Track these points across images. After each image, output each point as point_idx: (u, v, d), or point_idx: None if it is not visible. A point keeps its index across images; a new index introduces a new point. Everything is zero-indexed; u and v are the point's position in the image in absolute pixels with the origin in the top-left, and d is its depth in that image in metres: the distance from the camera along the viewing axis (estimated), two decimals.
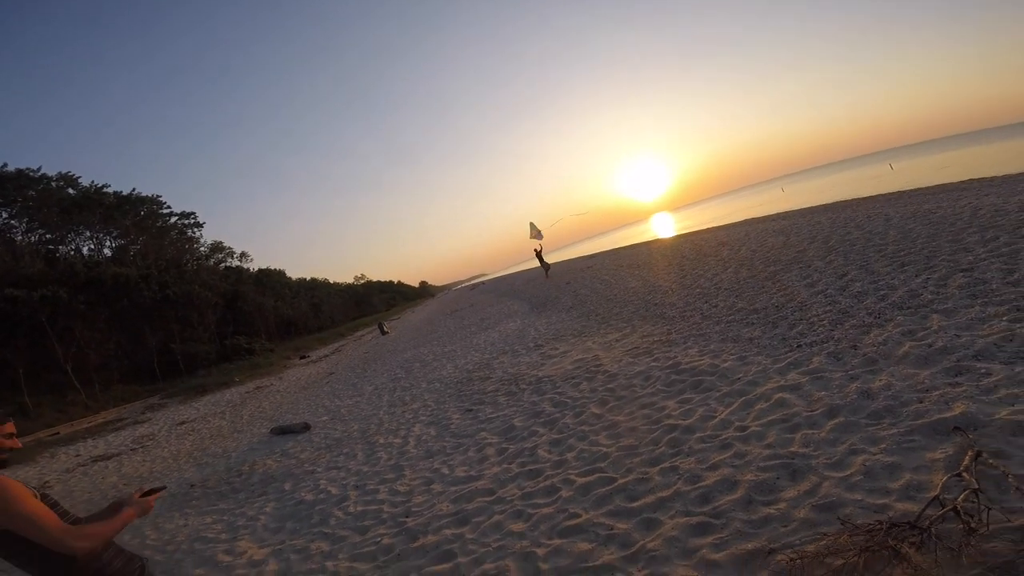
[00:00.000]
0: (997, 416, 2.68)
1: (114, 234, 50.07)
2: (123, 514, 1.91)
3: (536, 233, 27.11)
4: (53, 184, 45.37)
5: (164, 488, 1.98)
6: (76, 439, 16.95)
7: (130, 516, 1.93)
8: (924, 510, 2.01)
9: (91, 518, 1.98)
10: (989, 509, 1.95)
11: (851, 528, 2.05)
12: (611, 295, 12.41)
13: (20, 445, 1.90)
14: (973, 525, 1.86)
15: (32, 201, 43.08)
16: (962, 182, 14.41)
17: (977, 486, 2.04)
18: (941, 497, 2.07)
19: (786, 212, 21.72)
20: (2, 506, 1.69)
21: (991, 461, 2.26)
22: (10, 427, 1.87)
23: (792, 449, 3.13)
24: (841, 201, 18.70)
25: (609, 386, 5.59)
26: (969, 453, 2.33)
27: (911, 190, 15.90)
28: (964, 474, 2.15)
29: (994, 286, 4.56)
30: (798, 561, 2.04)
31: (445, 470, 4.91)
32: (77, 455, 13.62)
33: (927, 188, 15.23)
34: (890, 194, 16.34)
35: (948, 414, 2.85)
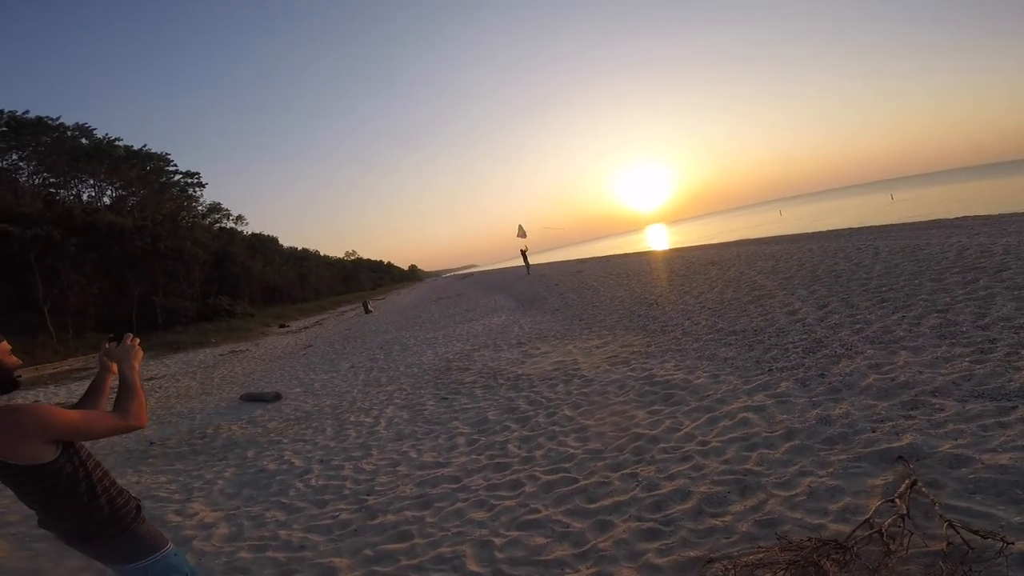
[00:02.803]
0: (940, 449, 2.82)
1: (117, 185, 50.41)
2: (133, 373, 1.77)
3: (522, 233, 30.26)
4: (68, 133, 46.12)
5: (128, 334, 1.83)
6: (38, 384, 16.56)
7: (135, 368, 1.80)
8: (854, 531, 2.13)
9: (89, 398, 1.85)
10: (912, 534, 2.07)
11: (785, 543, 2.16)
12: (597, 302, 12.52)
13: (20, 361, 1.71)
14: (892, 548, 1.97)
15: (44, 147, 43.56)
16: (957, 219, 14.63)
17: (906, 512, 2.17)
18: (872, 520, 2.19)
19: (779, 236, 21.96)
20: (45, 423, 1.50)
21: (924, 490, 2.39)
22: (7, 344, 1.68)
23: (747, 466, 3.24)
24: (835, 230, 18.95)
25: (584, 390, 5.69)
26: (906, 481, 2.46)
27: (905, 223, 16.12)
28: (897, 500, 2.27)
29: (964, 328, 4.69)
30: (732, 571, 2.14)
31: (413, 454, 4.97)
32: (36, 400, 13.36)
33: (921, 223, 15.46)
34: (884, 226, 16.58)
35: (896, 444, 2.99)
